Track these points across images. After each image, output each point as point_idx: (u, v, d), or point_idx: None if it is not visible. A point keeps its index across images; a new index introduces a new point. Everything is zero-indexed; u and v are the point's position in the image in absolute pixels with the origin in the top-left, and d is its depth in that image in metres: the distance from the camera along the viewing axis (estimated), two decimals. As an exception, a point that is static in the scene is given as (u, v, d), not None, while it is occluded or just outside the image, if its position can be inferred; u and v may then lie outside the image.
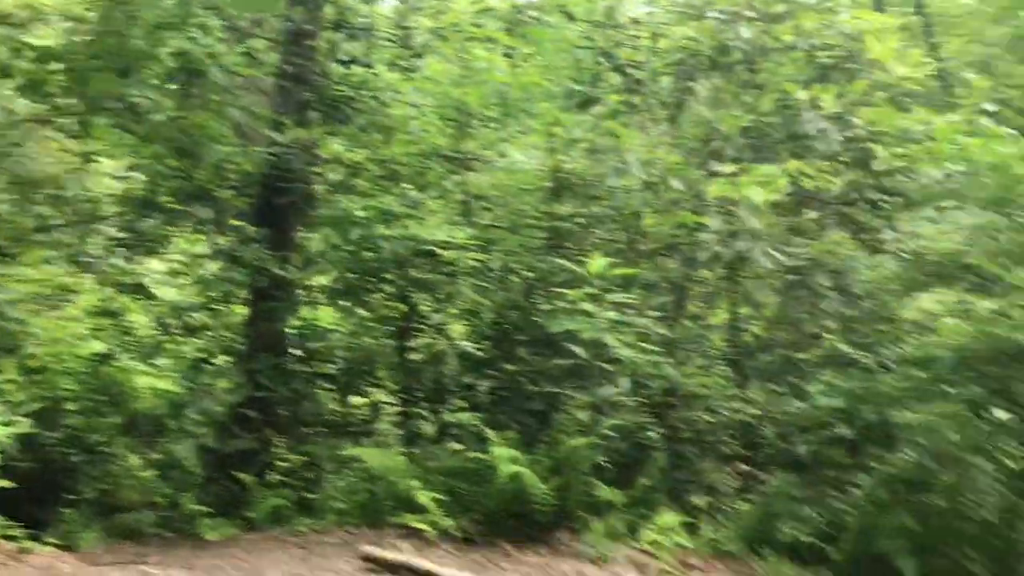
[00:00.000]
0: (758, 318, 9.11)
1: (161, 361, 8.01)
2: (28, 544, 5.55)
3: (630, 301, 7.05)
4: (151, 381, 8.34)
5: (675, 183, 7.53)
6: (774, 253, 7.06)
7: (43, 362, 8.03)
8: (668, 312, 7.92)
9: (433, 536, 6.07)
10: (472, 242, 6.86)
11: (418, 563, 5.47)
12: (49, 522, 6.50)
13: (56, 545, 5.88)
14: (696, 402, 7.26)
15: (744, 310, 8.98)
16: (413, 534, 6.16)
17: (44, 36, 8.65)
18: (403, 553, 5.71)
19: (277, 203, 7.64)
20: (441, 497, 6.28)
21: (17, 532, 5.54)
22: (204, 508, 6.57)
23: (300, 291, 7.69)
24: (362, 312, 7.81)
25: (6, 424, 5.42)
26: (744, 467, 7.81)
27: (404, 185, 7.45)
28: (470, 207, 7.53)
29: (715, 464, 7.61)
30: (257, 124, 8.00)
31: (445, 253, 6.73)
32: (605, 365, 6.78)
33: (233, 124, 7.97)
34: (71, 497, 7.08)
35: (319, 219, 7.52)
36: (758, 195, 7.17)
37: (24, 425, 5.92)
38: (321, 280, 7.96)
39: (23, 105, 6.43)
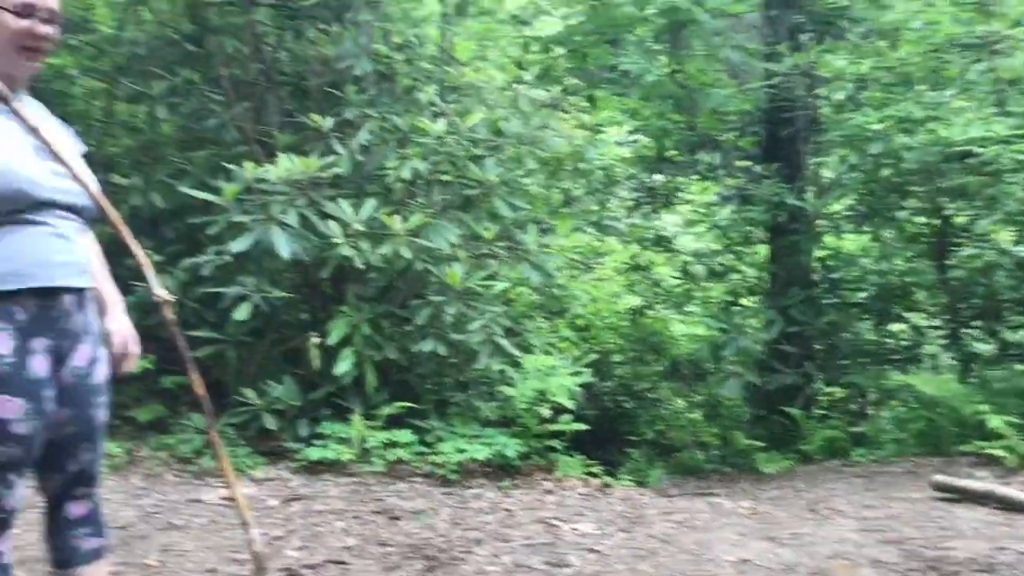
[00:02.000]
0: None
1: (691, 308, 8.37)
2: (607, 480, 6.16)
3: None
4: (685, 328, 8.78)
5: None
6: None
7: (587, 320, 8.88)
8: None
9: (1013, 463, 5.49)
10: (1016, 134, 6.02)
11: (1005, 492, 4.96)
12: (615, 462, 7.16)
13: (628, 482, 6.44)
14: None
15: None
16: (988, 462, 5.63)
17: (546, 27, 9.53)
18: (982, 481, 5.24)
19: (782, 135, 7.51)
20: (1016, 421, 5.66)
21: (597, 470, 6.18)
22: (756, 443, 6.73)
23: (820, 220, 7.47)
24: (888, 232, 7.34)
25: (573, 375, 6.05)
26: None
27: (919, 87, 6.80)
28: (1004, 96, 6.61)
29: None
30: (750, 60, 7.94)
31: (984, 152, 6.00)
32: None
33: (727, 66, 8.02)
34: (631, 439, 7.73)
35: (830, 142, 7.22)
36: None
37: (586, 376, 6.57)
38: (840, 206, 7.66)
39: (539, 92, 7.13)
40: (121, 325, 2.42)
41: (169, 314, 2.30)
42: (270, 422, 5.15)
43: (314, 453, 4.95)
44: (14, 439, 2.08)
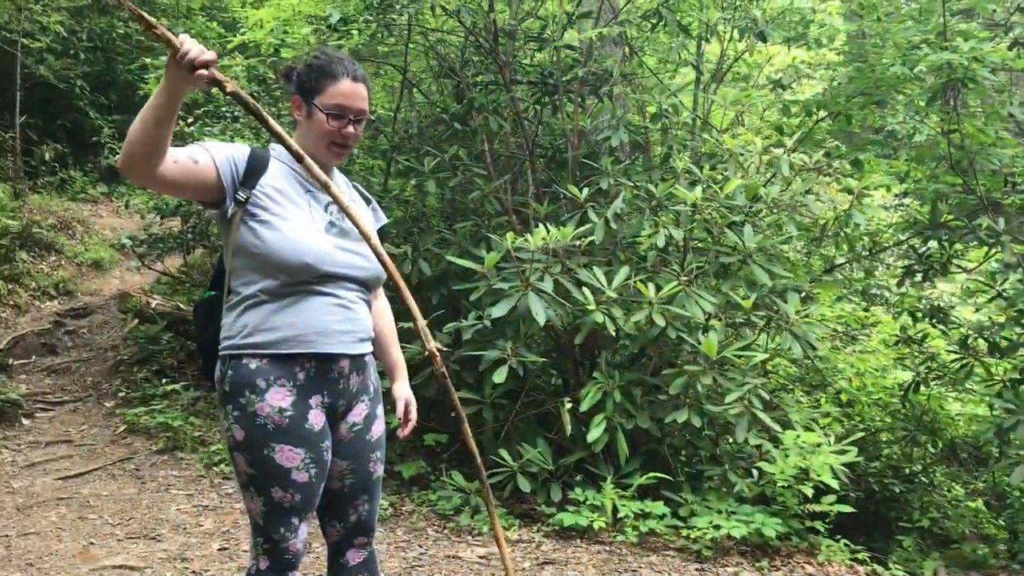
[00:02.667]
0: None
1: (971, 385, 7.61)
2: (876, 567, 5.68)
3: None
4: (963, 407, 7.99)
5: None
6: None
7: (851, 395, 8.31)
8: None
9: None
10: None
11: None
12: (881, 549, 6.57)
13: (900, 572, 5.89)
14: None
15: None
16: None
17: (806, 90, 9.27)
18: None
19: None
20: None
21: (864, 556, 5.72)
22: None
23: None
24: None
25: (838, 453, 5.68)
26: None
27: None
28: None
29: None
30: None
31: None
32: None
33: (1010, 124, 7.38)
34: (901, 525, 7.09)
35: None
36: None
37: (851, 455, 6.14)
38: None
39: (799, 158, 6.88)
40: (404, 392, 2.63)
41: (440, 367, 2.42)
42: (524, 484, 5.23)
43: (567, 519, 4.96)
44: (295, 485, 2.25)
